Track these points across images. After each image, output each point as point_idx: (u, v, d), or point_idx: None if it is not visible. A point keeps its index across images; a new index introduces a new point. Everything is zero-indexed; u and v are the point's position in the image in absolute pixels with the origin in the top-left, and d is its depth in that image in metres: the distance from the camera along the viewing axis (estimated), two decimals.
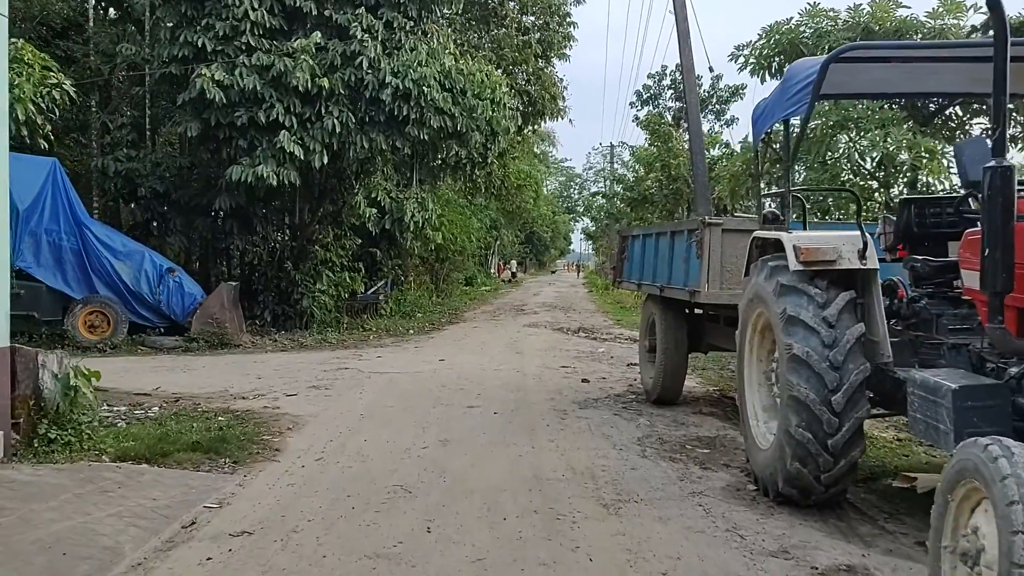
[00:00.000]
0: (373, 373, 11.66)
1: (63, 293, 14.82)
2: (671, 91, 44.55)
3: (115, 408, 9.00)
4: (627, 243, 10.04)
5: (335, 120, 16.04)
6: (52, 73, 9.81)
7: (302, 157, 15.87)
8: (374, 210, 17.39)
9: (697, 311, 8.84)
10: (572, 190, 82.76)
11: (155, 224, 18.71)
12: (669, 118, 38.21)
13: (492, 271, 52.07)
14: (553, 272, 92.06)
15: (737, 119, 44.26)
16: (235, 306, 17.14)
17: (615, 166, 49.28)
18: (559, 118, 25.87)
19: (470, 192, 25.71)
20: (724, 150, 24.51)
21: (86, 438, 6.58)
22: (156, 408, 8.98)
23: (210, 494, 5.49)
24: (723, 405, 9.35)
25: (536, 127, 25.04)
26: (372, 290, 20.84)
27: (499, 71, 19.75)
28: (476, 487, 5.79)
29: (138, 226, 18.99)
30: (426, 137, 17.09)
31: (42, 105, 9.78)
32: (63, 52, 21.37)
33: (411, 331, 18.31)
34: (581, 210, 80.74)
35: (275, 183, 15.72)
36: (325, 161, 16.30)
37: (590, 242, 66.24)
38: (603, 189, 69.96)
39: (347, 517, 5.08)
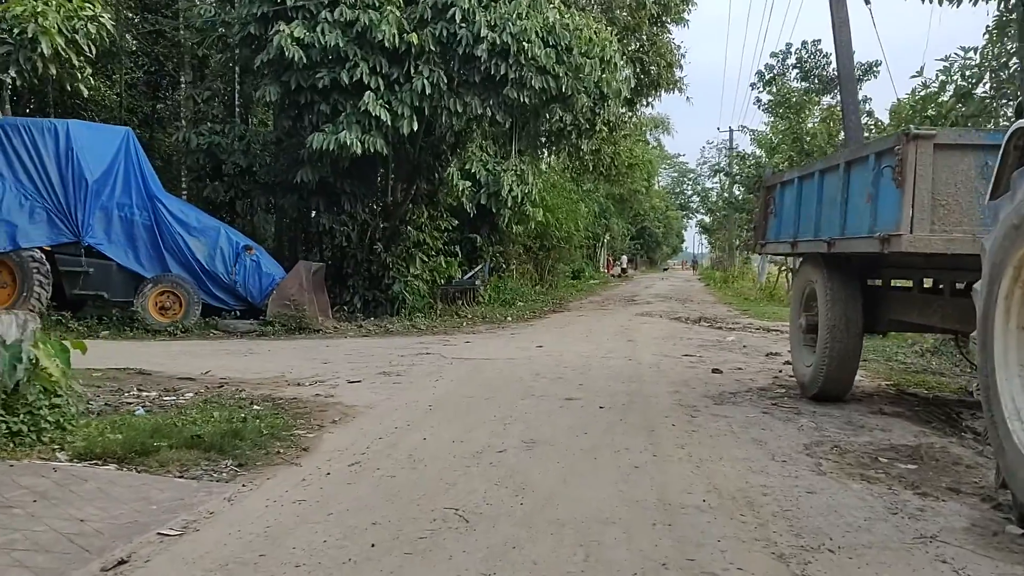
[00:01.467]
0: (457, 359, 9.83)
1: (135, 272, 13.68)
2: (796, 70, 41.35)
3: (145, 393, 7.47)
4: (774, 193, 7.79)
5: (425, 80, 14.33)
6: (88, 4, 8.36)
7: (389, 123, 14.24)
8: (468, 183, 15.59)
9: (874, 279, 6.57)
10: (685, 185, 79.44)
11: (239, 202, 17.53)
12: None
13: (601, 266, 49.84)
14: (665, 270, 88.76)
15: (870, 99, 40.48)
16: (320, 288, 15.72)
17: (736, 148, 46.10)
18: (676, 90, 23.52)
19: (577, 172, 23.68)
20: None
21: (50, 427, 4.95)
22: (191, 394, 7.40)
23: (176, 514, 3.72)
24: (907, 404, 7.01)
25: (651, 100, 22.84)
26: (469, 275, 19.10)
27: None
28: (568, 516, 3.81)
29: (223, 205, 17.87)
30: (526, 100, 15.18)
31: (79, 41, 8.33)
32: (151, 25, 20.70)
33: (509, 318, 16.47)
34: (695, 204, 77.53)
35: (359, 151, 14.14)
36: (415, 127, 14.62)
37: (704, 236, 62.94)
38: (719, 182, 66.77)
39: (356, 564, 3.18)
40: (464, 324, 15.29)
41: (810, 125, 25.39)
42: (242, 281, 14.15)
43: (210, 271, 14.02)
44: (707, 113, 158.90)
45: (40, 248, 13.17)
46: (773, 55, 45.40)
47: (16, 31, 7.47)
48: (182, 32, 19.68)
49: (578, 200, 28.28)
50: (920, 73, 9.85)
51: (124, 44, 20.71)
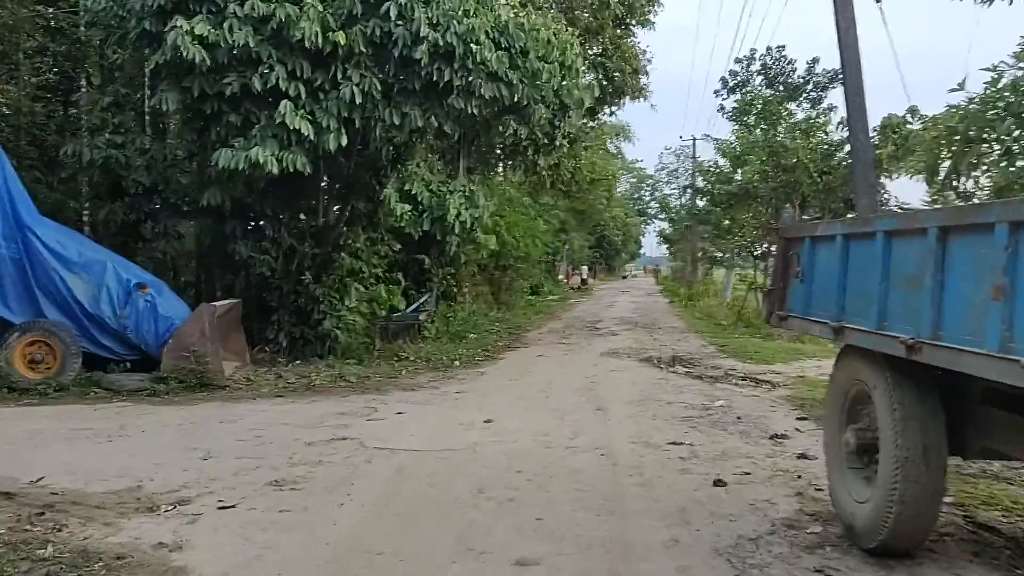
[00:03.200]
0: (380, 451, 7.61)
1: (1, 318, 11.24)
2: (761, 76, 39.97)
3: None
4: (799, 249, 5.69)
5: (355, 88, 12.13)
6: None
7: (312, 137, 11.99)
8: (408, 207, 13.37)
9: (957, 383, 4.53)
10: (643, 191, 78.18)
11: (144, 226, 15.08)
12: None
13: (560, 277, 47.84)
14: (624, 278, 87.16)
15: (836, 107, 39.15)
16: (233, 328, 13.41)
17: (697, 159, 44.47)
18: (641, 98, 21.56)
19: (534, 188, 21.61)
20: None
21: None
22: None
23: None
24: (988, 550, 5.01)
25: (614, 109, 20.85)
26: (413, 307, 16.88)
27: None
28: None
29: (124, 229, 15.39)
30: (475, 111, 13.05)
31: None
32: (47, 21, 18.15)
33: (457, 361, 14.27)
34: (654, 212, 76.00)
35: (276, 171, 11.86)
36: (343, 142, 12.39)
37: (666, 246, 61.30)
38: (676, 190, 65.10)
39: None
40: (404, 372, 13.07)
41: (781, 136, 23.61)
42: (134, 326, 11.77)
43: (94, 315, 11.62)
44: (667, 119, 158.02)
45: None
46: (738, 61, 44.05)
47: None
48: (82, 29, 17.19)
49: (535, 216, 26.21)
50: (962, 86, 7.91)
51: (21, 40, 18.16)
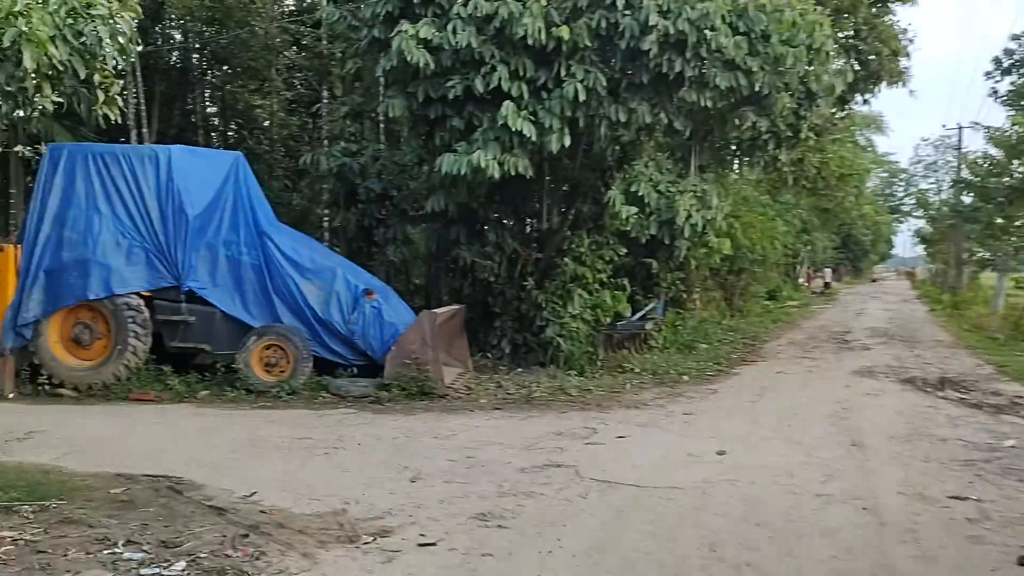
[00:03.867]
0: (598, 484, 6.83)
1: (241, 321, 11.75)
2: None
3: (126, 555, 5.10)
4: None
5: (578, 84, 11.49)
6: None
7: (534, 139, 11.49)
8: (634, 210, 12.50)
9: None
10: (896, 187, 71.59)
11: (376, 231, 15.39)
12: None
13: (801, 281, 44.65)
14: (873, 281, 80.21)
15: None
16: (456, 334, 13.27)
17: (963, 150, 39.65)
18: (900, 83, 19.16)
19: (774, 186, 19.89)
20: None
21: None
22: (182, 566, 4.94)
23: None
24: None
25: (867, 96, 18.68)
26: (639, 314, 15.96)
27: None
28: None
29: (358, 235, 15.83)
30: (708, 103, 11.98)
31: (94, 49, 6.12)
32: (296, 38, 19.23)
33: (686, 376, 13.18)
34: (908, 209, 69.24)
35: (497, 175, 11.49)
36: (566, 143, 11.81)
37: (923, 246, 55.45)
38: (934, 184, 58.51)
39: None
40: (627, 386, 12.21)
41: None
42: (361, 332, 11.86)
43: (324, 320, 11.84)
44: (925, 107, 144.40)
45: (138, 294, 11.52)
46: (1015, 37, 38.77)
47: None
48: (324, 42, 18.01)
49: (774, 216, 24.28)
50: None
51: (273, 58, 19.42)
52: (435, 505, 6.25)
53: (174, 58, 19.71)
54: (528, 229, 15.82)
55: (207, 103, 21.31)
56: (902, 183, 70.46)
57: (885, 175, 69.82)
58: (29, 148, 10.06)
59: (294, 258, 11.98)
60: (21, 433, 8.54)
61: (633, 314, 16.14)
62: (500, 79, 11.43)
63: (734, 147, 14.32)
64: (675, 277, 19.02)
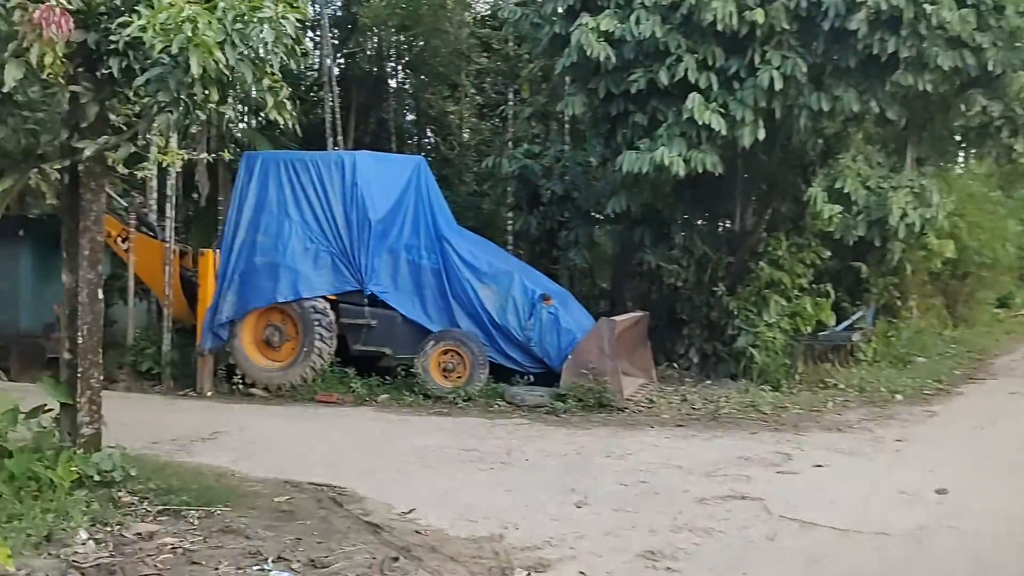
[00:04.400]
0: (788, 522, 5.95)
1: (421, 325, 11.71)
2: None
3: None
4: None
5: (775, 72, 10.49)
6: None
7: (724, 132, 10.62)
8: (838, 208, 11.25)
9: None
10: None
11: (561, 235, 14.97)
12: None
13: None
14: None
15: None
16: (639, 342, 12.61)
17: None
18: None
19: (1007, 180, 17.50)
20: None
21: None
22: None
23: None
24: None
25: None
26: (845, 324, 14.50)
27: None
28: None
29: (541, 238, 15.50)
30: (928, 87, 10.57)
31: (258, 54, 6.06)
32: (484, 42, 19.22)
33: (899, 395, 11.71)
34: None
35: (682, 173, 10.71)
36: (760, 136, 10.85)
37: None
38: None
39: None
40: (829, 404, 10.99)
41: None
42: (537, 338, 11.48)
43: (501, 325, 11.56)
44: None
45: (324, 297, 11.78)
46: None
47: (164, 46, 5.31)
48: (510, 44, 17.88)
49: (1006, 215, 21.47)
50: None
51: (463, 63, 19.57)
52: (599, 536, 5.67)
53: (368, 67, 20.32)
54: (719, 231, 14.83)
55: (401, 111, 21.84)
56: None
57: None
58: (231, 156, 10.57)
59: (472, 262, 11.78)
60: (207, 433, 8.82)
61: (838, 323, 14.67)
62: (687, 70, 10.65)
63: (958, 137, 12.58)
64: (888, 282, 17.23)
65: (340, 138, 17.59)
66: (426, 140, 21.80)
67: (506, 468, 7.62)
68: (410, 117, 22.08)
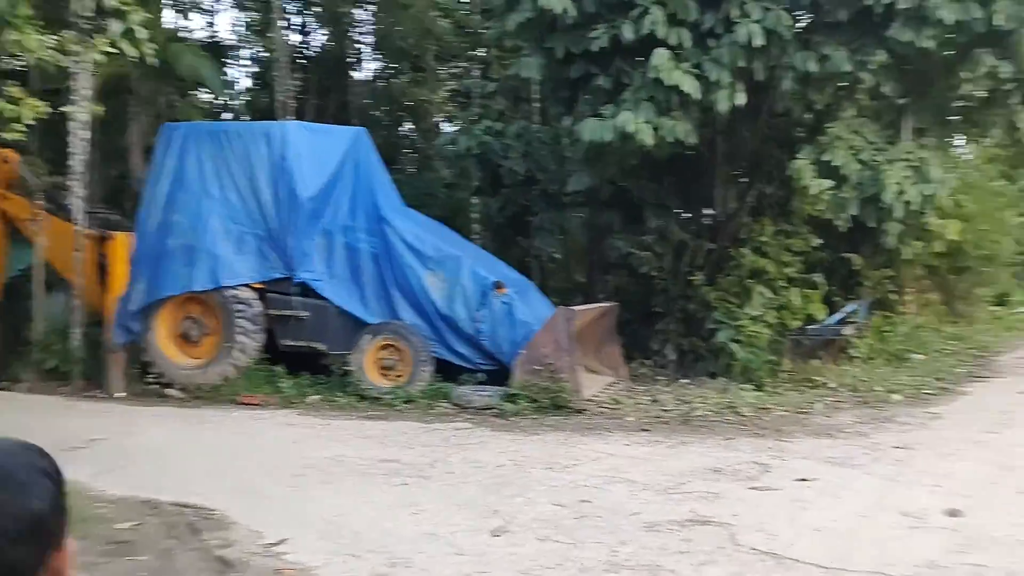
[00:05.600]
0: (759, 558, 4.60)
1: (357, 317, 10.36)
2: None
3: None
4: None
5: (754, 27, 9.15)
6: None
7: (697, 96, 9.30)
8: (828, 183, 9.93)
9: None
10: None
11: (528, 220, 13.65)
12: None
13: None
14: None
15: None
16: (607, 336, 11.30)
17: None
18: None
19: (1012, 163, 16.17)
20: None
21: None
22: None
23: None
24: None
25: None
26: (835, 318, 13.19)
27: None
28: None
29: (507, 224, 14.15)
30: (929, 44, 9.24)
31: None
32: (449, 18, 17.93)
33: (896, 395, 10.38)
34: None
35: (651, 142, 9.38)
36: (738, 102, 9.52)
37: None
38: None
39: None
40: (818, 405, 9.66)
41: None
42: (489, 331, 10.15)
43: (448, 317, 10.23)
44: None
45: (248, 285, 10.41)
46: None
47: None
48: (477, 18, 16.60)
49: (1006, 205, 20.21)
50: None
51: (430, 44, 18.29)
52: None
53: (326, 46, 19.02)
54: (699, 215, 13.50)
55: (366, 94, 20.52)
56: None
57: None
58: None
59: (416, 246, 10.44)
60: (83, 440, 7.44)
61: (828, 317, 13.38)
62: (654, 24, 9.33)
63: (964, 104, 11.25)
64: (883, 275, 15.94)
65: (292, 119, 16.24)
66: (389, 122, 20.46)
67: (422, 483, 6.25)
68: (374, 100, 20.77)
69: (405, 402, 9.68)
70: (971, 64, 9.94)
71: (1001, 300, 27.55)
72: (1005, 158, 15.80)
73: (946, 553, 4.67)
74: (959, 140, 14.20)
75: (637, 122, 9.27)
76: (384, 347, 10.10)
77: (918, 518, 5.31)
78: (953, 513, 5.41)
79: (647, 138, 9.32)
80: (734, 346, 11.61)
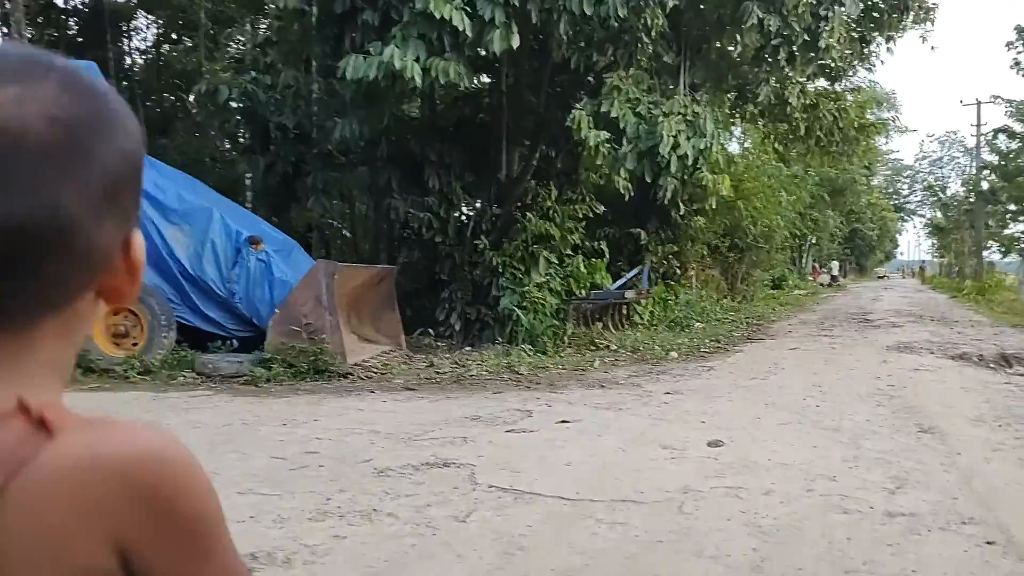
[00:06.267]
0: (497, 494, 3.92)
1: None
2: None
3: None
4: None
5: None
6: None
7: (469, 33, 8.64)
8: (604, 134, 9.59)
9: None
10: (900, 185, 69.43)
11: (299, 182, 12.46)
12: None
13: (806, 273, 41.67)
14: (880, 278, 77.07)
15: None
16: (386, 303, 10.42)
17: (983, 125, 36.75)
18: (926, 21, 16.22)
19: (784, 140, 16.90)
20: None
21: None
22: None
23: None
24: None
25: (893, 36, 15.70)
26: (618, 284, 13.10)
27: None
28: None
29: (281, 190, 12.88)
30: None
31: None
32: None
33: (674, 352, 10.28)
34: (913, 205, 66.95)
35: (420, 82, 8.62)
36: (513, 44, 8.92)
37: (935, 238, 52.64)
38: (940, 181, 55.54)
39: None
40: (598, 362, 9.33)
41: None
42: (244, 293, 8.98)
43: (196, 277, 8.96)
44: (935, 87, 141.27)
45: None
46: None
47: None
48: None
49: (779, 188, 21.35)
50: None
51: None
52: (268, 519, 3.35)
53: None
54: (481, 177, 12.95)
55: (128, 50, 18.47)
56: (907, 180, 68.36)
57: (890, 172, 67.21)
58: None
59: (157, 196, 9.07)
60: None
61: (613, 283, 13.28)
62: None
63: (731, 59, 11.35)
64: (668, 250, 16.19)
65: None
66: (153, 84, 18.52)
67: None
68: (138, 61, 18.75)
69: (140, 373, 8.34)
70: (742, 18, 9.93)
71: (778, 283, 29.48)
72: (777, 135, 16.36)
73: (703, 478, 4.21)
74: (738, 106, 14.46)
75: (405, 59, 8.47)
76: (117, 311, 8.69)
77: (678, 450, 4.86)
78: (715, 443, 5.03)
79: (417, 77, 8.55)
80: (519, 312, 11.15)
